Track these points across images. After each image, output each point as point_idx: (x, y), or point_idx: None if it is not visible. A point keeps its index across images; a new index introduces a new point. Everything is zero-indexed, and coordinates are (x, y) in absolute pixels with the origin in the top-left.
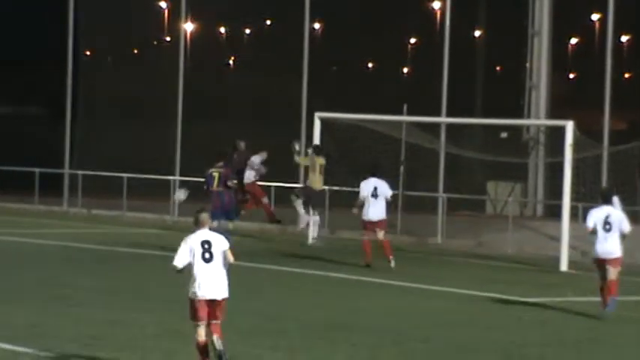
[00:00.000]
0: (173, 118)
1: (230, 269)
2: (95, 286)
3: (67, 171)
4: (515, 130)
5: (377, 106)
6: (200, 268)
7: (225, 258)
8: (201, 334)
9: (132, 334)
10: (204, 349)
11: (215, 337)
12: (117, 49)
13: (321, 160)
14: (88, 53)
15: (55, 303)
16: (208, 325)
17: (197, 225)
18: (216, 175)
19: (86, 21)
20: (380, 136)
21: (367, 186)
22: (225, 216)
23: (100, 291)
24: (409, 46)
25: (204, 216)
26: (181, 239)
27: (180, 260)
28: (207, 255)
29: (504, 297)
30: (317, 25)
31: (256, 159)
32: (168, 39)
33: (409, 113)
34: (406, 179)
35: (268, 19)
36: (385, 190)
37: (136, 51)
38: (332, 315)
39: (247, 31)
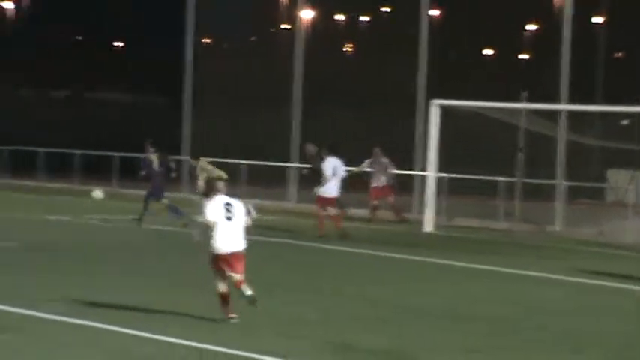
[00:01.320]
0: (290, 106)
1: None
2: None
3: (186, 158)
4: (636, 117)
5: (496, 93)
6: (223, 226)
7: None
8: (222, 286)
9: (244, 321)
10: (226, 298)
11: (243, 286)
12: (235, 36)
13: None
14: (206, 41)
15: (170, 287)
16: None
17: (215, 192)
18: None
19: (204, 9)
20: (499, 124)
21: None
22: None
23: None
24: (528, 32)
25: (221, 184)
26: (294, 225)
27: (211, 216)
28: (229, 214)
29: (623, 286)
30: (435, 12)
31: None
32: (285, 26)
33: (528, 100)
34: (525, 167)
35: (385, 6)
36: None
37: (253, 39)
38: (446, 302)
39: (364, 18)
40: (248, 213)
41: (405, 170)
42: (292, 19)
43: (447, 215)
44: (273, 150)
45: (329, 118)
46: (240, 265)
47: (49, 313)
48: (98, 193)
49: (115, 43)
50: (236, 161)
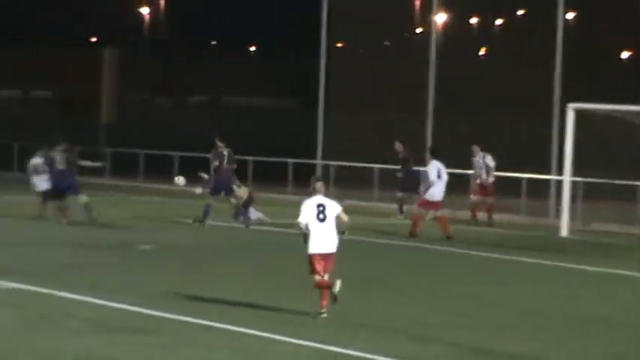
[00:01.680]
0: (424, 110)
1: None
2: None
3: (319, 162)
4: None
5: (633, 96)
6: (315, 227)
7: (339, 219)
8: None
9: (382, 323)
10: (323, 283)
11: (337, 283)
12: (368, 40)
13: None
14: (339, 45)
15: (305, 291)
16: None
17: (313, 191)
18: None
19: (338, 13)
20: (635, 127)
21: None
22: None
23: (352, 280)
24: None
25: (319, 184)
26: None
27: (303, 219)
28: (321, 216)
29: None
30: (570, 15)
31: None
32: (419, 30)
33: None
34: None
35: (520, 9)
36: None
37: (387, 43)
38: (588, 308)
39: (499, 21)
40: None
41: (541, 174)
42: (426, 22)
43: (583, 220)
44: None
45: (462, 122)
46: (328, 265)
47: (180, 314)
48: (181, 180)
49: (250, 48)
50: (369, 165)
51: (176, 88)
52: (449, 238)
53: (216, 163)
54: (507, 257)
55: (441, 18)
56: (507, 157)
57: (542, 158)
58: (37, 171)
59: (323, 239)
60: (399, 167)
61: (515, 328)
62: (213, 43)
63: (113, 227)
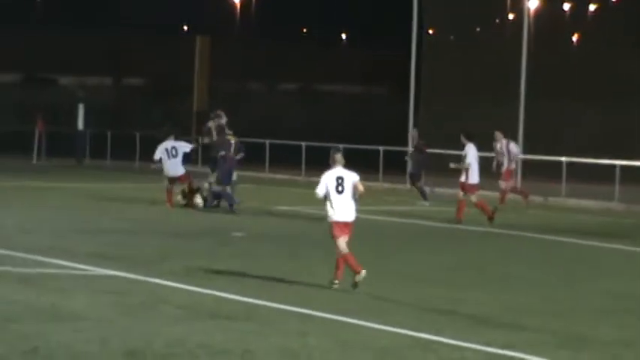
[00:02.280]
0: (516, 97)
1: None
2: (438, 264)
3: (410, 149)
4: None
5: None
6: (334, 198)
7: (355, 189)
8: (342, 246)
9: (475, 312)
10: (341, 263)
11: (357, 277)
12: (459, 27)
13: None
14: (430, 32)
15: (402, 278)
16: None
17: (333, 163)
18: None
19: (430, 0)
20: None
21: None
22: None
23: (442, 268)
24: None
25: (339, 156)
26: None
27: (320, 190)
28: (340, 188)
29: None
30: None
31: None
32: (510, 17)
33: None
34: None
35: None
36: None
37: (478, 29)
38: None
39: (592, 7)
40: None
41: (635, 161)
42: (518, 8)
43: None
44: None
45: (555, 108)
46: (347, 232)
47: (274, 301)
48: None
49: (342, 35)
50: (459, 152)
51: (267, 76)
52: (458, 221)
53: (223, 152)
54: (601, 244)
55: (533, 4)
56: (600, 143)
57: (638, 145)
58: (171, 155)
59: (342, 209)
60: (410, 151)
61: (609, 315)
62: (305, 30)
63: (206, 214)
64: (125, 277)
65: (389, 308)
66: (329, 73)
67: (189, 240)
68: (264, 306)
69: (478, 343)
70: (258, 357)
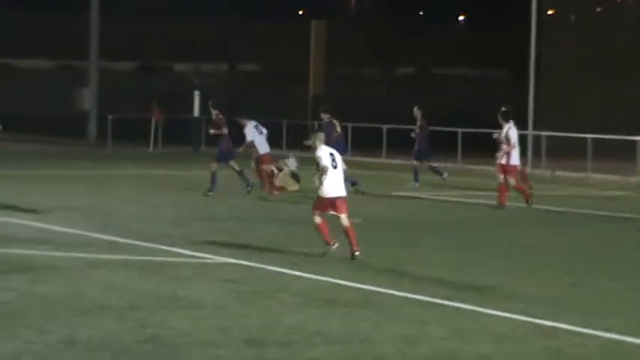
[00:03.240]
0: (637, 78)
1: None
2: (557, 248)
3: (530, 132)
4: None
5: None
6: (330, 173)
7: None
8: (317, 218)
9: (594, 297)
10: (323, 228)
11: (357, 253)
12: (580, 7)
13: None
14: (550, 13)
15: (517, 264)
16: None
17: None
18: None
19: None
20: None
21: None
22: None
23: (562, 253)
24: None
25: (322, 135)
26: None
27: (326, 162)
28: (334, 163)
29: None
30: None
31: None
32: None
33: None
34: None
35: None
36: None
37: (598, 9)
38: None
39: None
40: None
41: None
42: None
43: None
44: (621, 123)
45: None
46: (344, 207)
47: (391, 288)
48: (292, 162)
49: (459, 17)
50: (582, 135)
51: (382, 60)
52: (501, 206)
53: (221, 130)
54: None
55: None
56: None
57: None
58: (261, 132)
59: (337, 184)
60: (416, 131)
61: None
62: (421, 13)
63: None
64: (242, 265)
65: (507, 294)
66: (446, 56)
67: (304, 226)
68: (382, 293)
69: (598, 328)
70: (376, 345)
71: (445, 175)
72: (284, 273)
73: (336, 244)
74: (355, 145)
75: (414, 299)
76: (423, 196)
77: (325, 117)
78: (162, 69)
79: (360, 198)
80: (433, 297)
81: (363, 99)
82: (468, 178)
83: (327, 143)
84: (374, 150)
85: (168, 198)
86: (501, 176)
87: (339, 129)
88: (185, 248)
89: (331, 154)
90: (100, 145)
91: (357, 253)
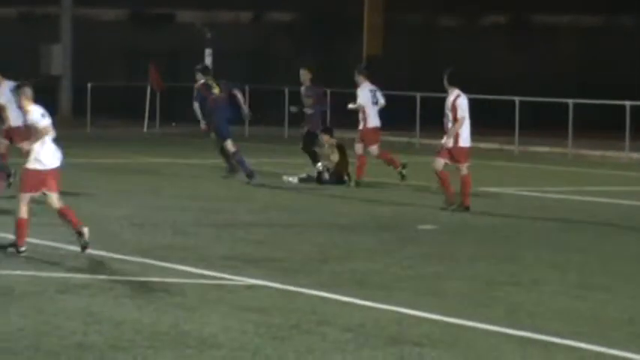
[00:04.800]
0: None
1: None
2: None
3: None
4: None
5: None
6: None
7: None
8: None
9: None
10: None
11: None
12: None
13: None
14: None
15: None
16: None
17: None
18: None
19: None
20: None
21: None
22: None
23: None
24: None
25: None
26: None
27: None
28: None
29: None
30: None
31: None
32: None
33: None
34: None
35: None
36: None
37: None
38: None
39: None
40: None
41: None
42: None
43: None
44: None
45: None
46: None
47: (482, 321)
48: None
49: None
50: None
51: (464, 7)
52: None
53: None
54: None
55: None
56: None
57: None
58: (374, 103)
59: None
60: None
61: None
62: None
63: (381, 200)
64: (272, 288)
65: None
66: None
67: (356, 235)
68: (469, 327)
69: None
70: None
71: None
72: (329, 299)
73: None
74: (425, 126)
75: (515, 336)
76: (518, 192)
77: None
78: (161, 18)
79: (436, 195)
80: (542, 333)
81: (439, 59)
82: (580, 168)
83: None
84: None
85: (171, 196)
86: (459, 165)
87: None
88: (193, 265)
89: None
90: (76, 124)
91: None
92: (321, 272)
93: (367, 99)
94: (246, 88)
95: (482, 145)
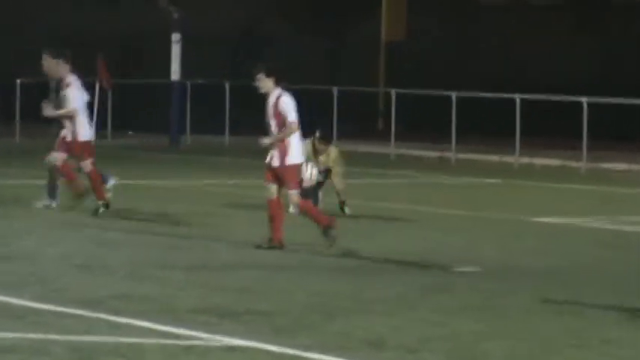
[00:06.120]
0: None
1: None
2: None
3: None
4: None
5: None
6: None
7: None
8: None
9: None
10: None
11: None
12: None
13: None
14: None
15: None
16: None
17: None
18: None
19: None
20: None
21: None
22: None
23: None
24: None
25: None
26: None
27: None
28: None
29: None
30: None
31: None
32: None
33: None
34: None
35: None
36: None
37: None
38: None
39: None
40: None
41: None
42: None
43: None
44: None
45: None
46: None
47: None
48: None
49: None
50: None
51: None
52: None
53: None
54: None
55: None
56: None
57: None
58: None
59: None
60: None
61: None
62: None
63: (402, 234)
64: (259, 351)
65: None
66: None
67: (370, 281)
68: None
69: None
70: None
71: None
72: None
73: None
74: (462, 134)
75: None
76: (583, 223)
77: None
78: None
79: (475, 227)
80: None
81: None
82: None
83: None
84: (502, 142)
85: (126, 229)
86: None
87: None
88: (155, 320)
89: None
90: (2, 132)
91: None
92: (323, 330)
93: None
94: (226, 85)
95: (538, 161)
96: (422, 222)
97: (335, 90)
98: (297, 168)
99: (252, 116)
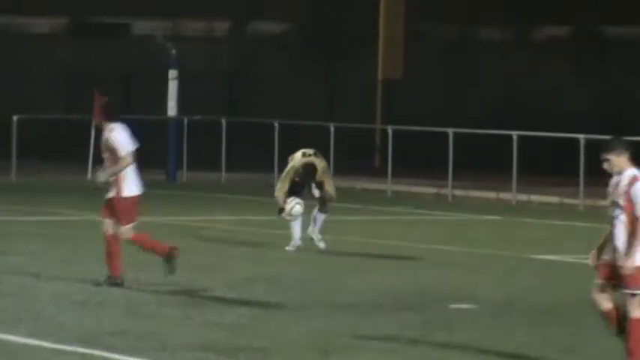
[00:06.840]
0: None
1: None
2: None
3: None
4: None
5: None
6: None
7: None
8: None
9: None
10: None
11: None
12: None
13: None
14: None
15: None
16: None
17: None
18: None
19: None
20: None
21: None
22: None
23: None
24: None
25: None
26: None
27: None
28: None
29: None
30: None
31: None
32: None
33: None
34: None
35: None
36: None
37: None
38: None
39: None
40: None
41: None
42: None
43: None
44: None
45: None
46: None
47: None
48: (296, 208)
49: None
50: None
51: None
52: None
53: None
54: None
55: None
56: None
57: None
58: None
59: None
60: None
61: None
62: None
63: (400, 271)
64: None
65: None
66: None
67: (368, 318)
68: None
69: None
70: None
71: None
72: None
73: None
74: (459, 171)
75: None
76: (579, 260)
77: None
78: (111, 29)
79: (471, 261)
80: None
81: (485, 83)
82: None
83: None
84: (500, 176)
85: (123, 265)
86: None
87: None
88: (152, 357)
89: None
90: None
91: None
92: None
93: None
94: (223, 121)
95: (536, 197)
96: (418, 259)
97: (332, 126)
98: (132, 201)
99: (249, 153)
